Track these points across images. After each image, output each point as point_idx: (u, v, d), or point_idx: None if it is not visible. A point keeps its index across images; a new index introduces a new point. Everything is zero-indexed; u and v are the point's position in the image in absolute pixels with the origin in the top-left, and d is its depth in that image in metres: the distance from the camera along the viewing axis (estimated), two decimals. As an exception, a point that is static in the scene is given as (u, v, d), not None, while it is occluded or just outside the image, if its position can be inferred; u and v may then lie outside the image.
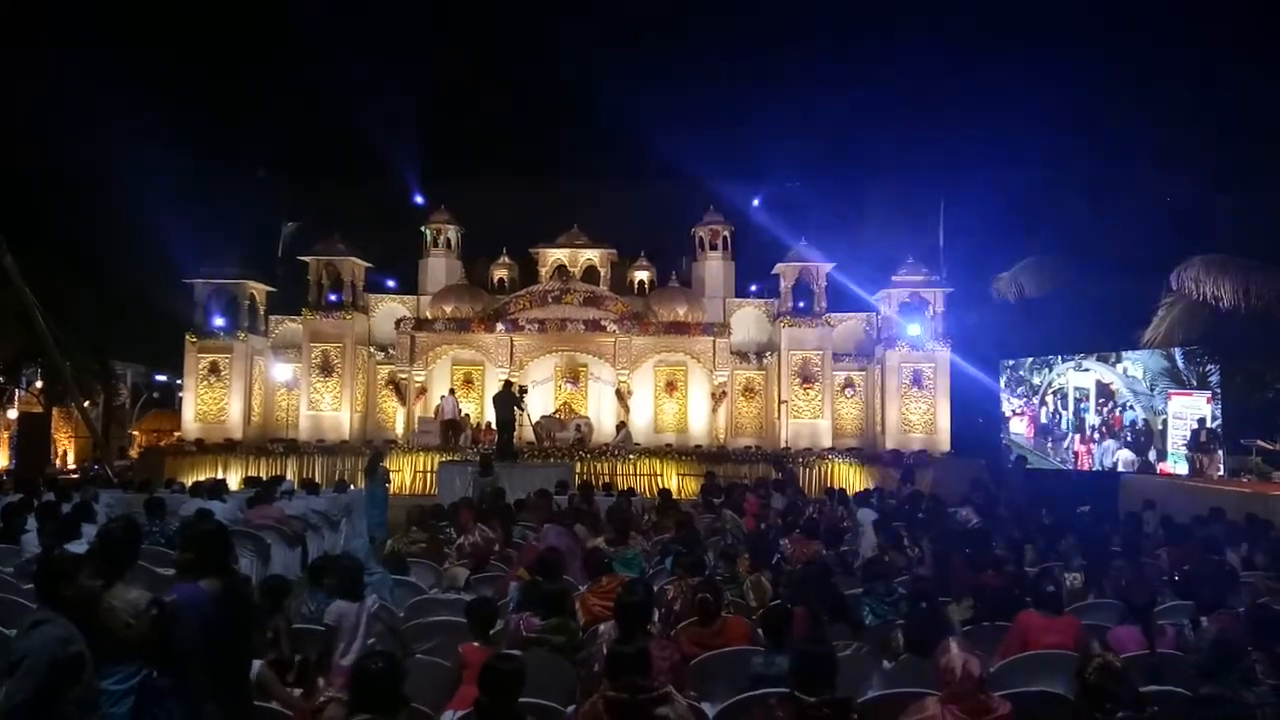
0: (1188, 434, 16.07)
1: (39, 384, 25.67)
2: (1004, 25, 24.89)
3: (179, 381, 24.71)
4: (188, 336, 22.46)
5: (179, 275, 22.70)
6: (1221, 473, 15.25)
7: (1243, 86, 16.29)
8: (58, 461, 25.78)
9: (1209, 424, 15.72)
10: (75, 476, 20.03)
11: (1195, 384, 16.16)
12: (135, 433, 28.51)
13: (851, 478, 19.93)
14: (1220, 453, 15.52)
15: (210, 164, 25.25)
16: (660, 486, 17.79)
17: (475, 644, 5.12)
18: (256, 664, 4.61)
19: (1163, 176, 17.48)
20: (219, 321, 22.45)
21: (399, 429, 22.26)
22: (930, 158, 24.93)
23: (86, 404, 24.29)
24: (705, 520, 10.50)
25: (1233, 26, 19.08)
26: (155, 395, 30.46)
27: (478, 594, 6.62)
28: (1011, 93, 23.81)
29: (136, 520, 5.65)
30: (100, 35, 23.71)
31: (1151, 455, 16.82)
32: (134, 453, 25.24)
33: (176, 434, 23.42)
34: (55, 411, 25.84)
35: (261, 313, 23.43)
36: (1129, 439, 17.33)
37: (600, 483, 17.19)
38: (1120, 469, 17.20)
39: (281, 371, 23.04)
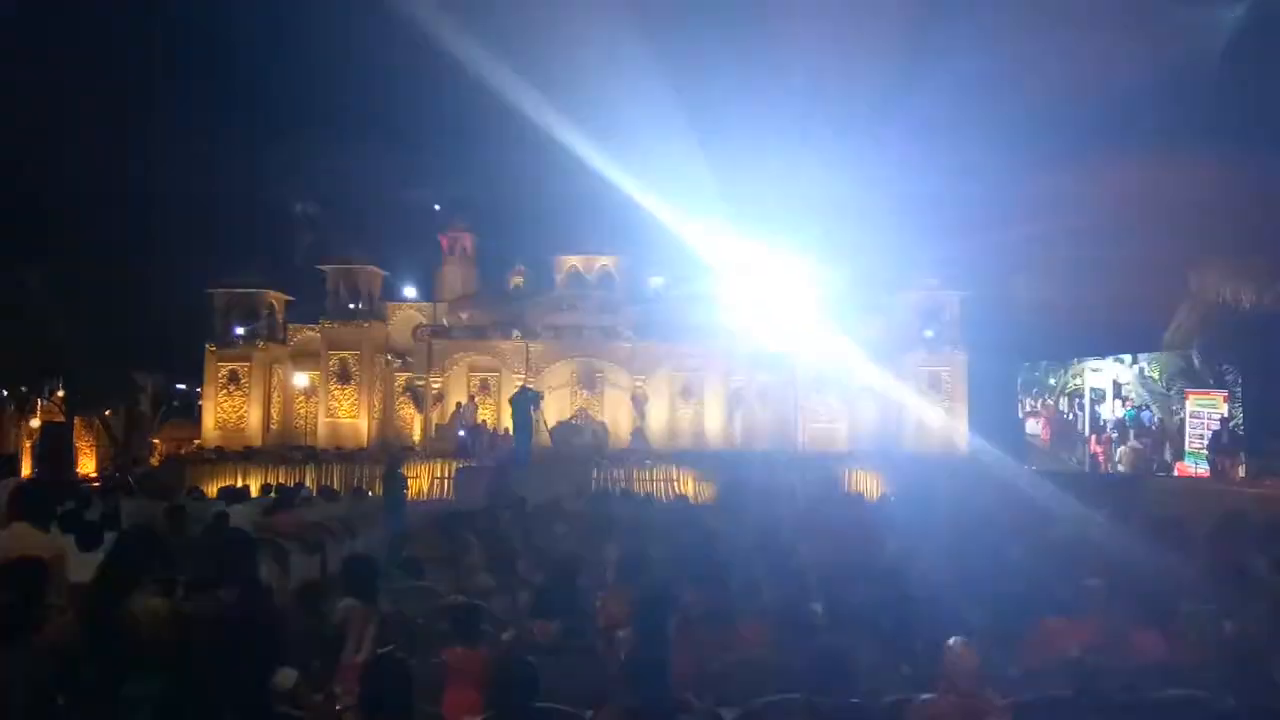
0: (1204, 433, 15.94)
1: (60, 393, 25.90)
2: (1020, 21, 24.74)
3: (199, 390, 24.91)
4: (207, 346, 22.67)
5: (198, 285, 22.91)
6: (1243, 475, 15.10)
7: (1259, 84, 16.17)
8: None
9: (1230, 425, 15.58)
10: (97, 484, 20.20)
11: (1212, 383, 16.04)
12: (156, 441, 28.72)
13: (869, 482, 19.84)
14: (1242, 455, 15.38)
15: (228, 174, 25.43)
16: (677, 492, 17.78)
17: (459, 649, 5.15)
18: (293, 674, 4.61)
19: (1180, 177, 17.34)
20: (239, 331, 22.64)
21: (416, 435, 22.34)
22: (948, 160, 24.79)
23: (107, 413, 24.52)
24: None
25: (1248, 21, 18.93)
26: (176, 404, 30.64)
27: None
28: (1027, 93, 23.68)
29: (155, 529, 5.69)
30: (119, 42, 23.96)
31: (1169, 456, 16.70)
32: (155, 460, 25.43)
33: (197, 442, 23.59)
34: (77, 421, 26.06)
35: (280, 321, 23.60)
36: (1138, 435, 17.27)
37: (617, 488, 17.18)
38: (1121, 466, 17.20)
39: (300, 380, 23.19)
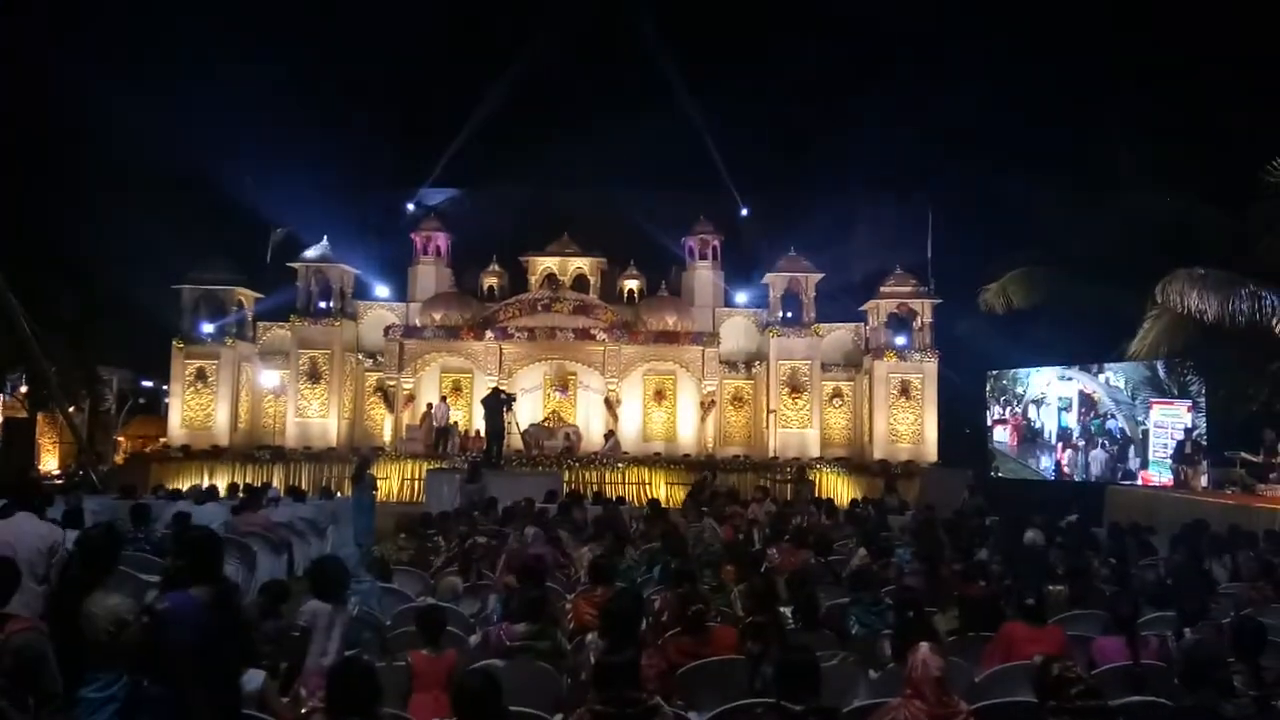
0: (1169, 442, 16.21)
1: (23, 389, 25.45)
2: (993, 39, 25.09)
3: (165, 387, 24.58)
4: (174, 342, 22.37)
5: (166, 280, 22.61)
6: (1205, 484, 15.35)
7: (1228, 100, 16.47)
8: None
9: (1193, 435, 15.85)
10: (60, 482, 19.87)
11: (1176, 393, 16.32)
12: (121, 438, 28.30)
13: (839, 487, 19.99)
14: (1204, 464, 15.64)
15: (198, 169, 25.17)
16: (649, 495, 17.80)
17: (424, 652, 5.15)
18: (259, 675, 4.57)
19: (1149, 190, 17.62)
20: (207, 328, 22.35)
21: (387, 436, 22.18)
22: (920, 169, 25.07)
23: (71, 409, 24.11)
24: (693, 530, 10.50)
25: (1219, 40, 19.30)
26: (141, 401, 30.21)
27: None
28: (1001, 106, 24.01)
29: (116, 527, 5.62)
30: (84, 31, 23.64)
31: (1134, 464, 16.98)
32: (119, 458, 25.06)
33: (162, 440, 23.27)
34: (40, 417, 25.63)
35: (249, 318, 23.34)
36: (1104, 444, 17.55)
37: (589, 491, 17.19)
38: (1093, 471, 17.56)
39: (269, 378, 22.93)
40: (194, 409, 22.29)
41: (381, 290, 24.42)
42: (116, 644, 4.01)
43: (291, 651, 5.42)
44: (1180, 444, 16.00)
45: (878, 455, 21.24)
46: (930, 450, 21.46)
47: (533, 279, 23.98)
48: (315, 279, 22.76)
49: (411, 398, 22.51)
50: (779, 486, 18.14)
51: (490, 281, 24.39)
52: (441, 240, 24.18)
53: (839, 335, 23.22)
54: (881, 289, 22.27)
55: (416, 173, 26.49)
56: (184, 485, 17.19)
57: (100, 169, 22.69)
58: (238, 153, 25.14)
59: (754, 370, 23.00)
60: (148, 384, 29.98)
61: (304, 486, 17.41)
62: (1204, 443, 15.78)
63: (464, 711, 3.74)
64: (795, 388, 22.04)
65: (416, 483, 19.36)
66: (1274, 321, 14.07)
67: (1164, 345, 16.51)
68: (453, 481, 15.45)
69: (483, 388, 20.97)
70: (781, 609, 6.13)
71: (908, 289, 22.14)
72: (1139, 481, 16.65)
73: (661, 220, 24.64)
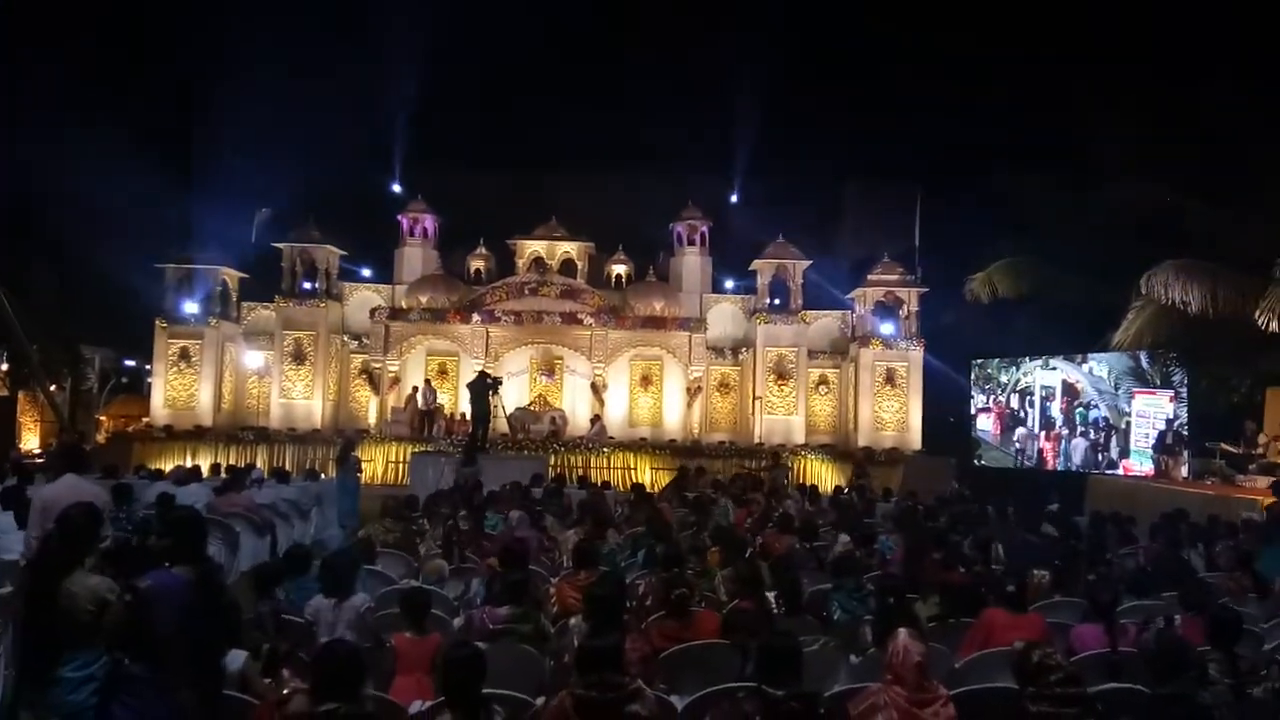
0: (1150, 432, 16.35)
1: (4, 367, 25.23)
2: (981, 31, 25.09)
3: (148, 366, 24.40)
4: (158, 321, 22.18)
5: (149, 259, 22.40)
6: (1186, 474, 15.50)
7: (1212, 92, 16.53)
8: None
9: (1175, 425, 15.99)
10: (40, 461, 19.73)
11: (1159, 383, 16.47)
12: (103, 418, 28.11)
13: (824, 474, 20.08)
14: (1185, 454, 15.78)
15: (182, 147, 24.93)
16: (634, 480, 17.83)
17: (408, 634, 5.15)
18: (241, 655, 4.55)
19: (1134, 182, 17.70)
20: (191, 308, 22.16)
21: (372, 419, 22.11)
22: (908, 158, 25.09)
23: (53, 388, 23.94)
24: (678, 514, 10.53)
25: (1203, 32, 19.34)
26: (124, 380, 30.02)
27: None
28: (988, 95, 24.05)
29: (97, 506, 5.59)
30: (67, 12, 23.30)
31: (1115, 453, 17.13)
32: (101, 438, 24.89)
33: (145, 420, 23.12)
34: (21, 395, 25.42)
35: (234, 299, 23.18)
36: (1089, 434, 17.72)
37: (574, 476, 17.20)
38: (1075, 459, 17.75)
39: (253, 359, 22.79)
40: (177, 389, 22.14)
41: (367, 271, 24.27)
42: (98, 623, 3.98)
43: (277, 635, 5.42)
44: (1162, 434, 16.14)
45: (862, 442, 21.33)
46: (914, 438, 21.56)
47: (520, 262, 23.86)
48: (300, 260, 22.60)
49: (397, 380, 22.42)
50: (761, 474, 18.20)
51: (477, 264, 24.27)
52: (429, 222, 24.02)
53: (826, 322, 23.25)
54: (869, 277, 22.29)
55: (404, 154, 26.33)
56: (167, 465, 17.10)
57: (83, 145, 22.38)
58: (223, 131, 24.92)
59: (740, 356, 23.01)
60: (130, 363, 29.78)
61: (288, 468, 17.31)
62: (1185, 433, 15.92)
63: (449, 680, 3.74)
64: (781, 374, 22.09)
65: (401, 465, 19.33)
66: (1257, 313, 14.18)
67: (1148, 335, 16.64)
68: (438, 464, 15.45)
69: (469, 371, 20.90)
70: (766, 594, 6.16)
71: (894, 277, 22.19)
72: (1120, 471, 16.80)
73: (650, 205, 24.55)
